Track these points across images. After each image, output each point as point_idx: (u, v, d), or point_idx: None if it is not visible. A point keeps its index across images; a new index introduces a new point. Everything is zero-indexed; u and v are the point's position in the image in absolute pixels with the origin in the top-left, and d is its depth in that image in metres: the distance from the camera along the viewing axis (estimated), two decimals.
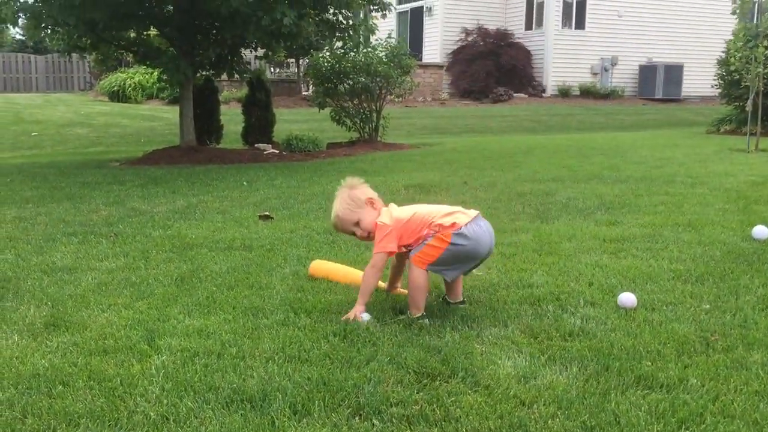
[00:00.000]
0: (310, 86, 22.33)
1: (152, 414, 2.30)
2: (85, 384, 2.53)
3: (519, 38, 23.31)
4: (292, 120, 16.38)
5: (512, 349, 2.78)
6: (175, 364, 2.67)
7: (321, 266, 3.93)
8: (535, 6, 23.35)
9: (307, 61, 22.40)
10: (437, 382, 2.50)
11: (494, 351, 2.76)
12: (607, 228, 4.95)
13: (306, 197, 6.57)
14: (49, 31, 9.79)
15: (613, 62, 23.49)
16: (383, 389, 2.44)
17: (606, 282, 3.65)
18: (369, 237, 3.29)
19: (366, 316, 3.10)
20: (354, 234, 3.33)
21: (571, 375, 2.54)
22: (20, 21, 9.42)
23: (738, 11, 9.94)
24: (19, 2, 9.12)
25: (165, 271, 4.02)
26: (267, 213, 5.65)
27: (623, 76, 23.87)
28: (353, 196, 3.30)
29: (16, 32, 37.33)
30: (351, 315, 3.09)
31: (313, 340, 2.89)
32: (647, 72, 23.58)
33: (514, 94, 22.20)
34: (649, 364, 2.62)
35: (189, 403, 2.36)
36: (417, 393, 2.42)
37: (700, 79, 21.91)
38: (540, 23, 22.99)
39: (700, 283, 3.64)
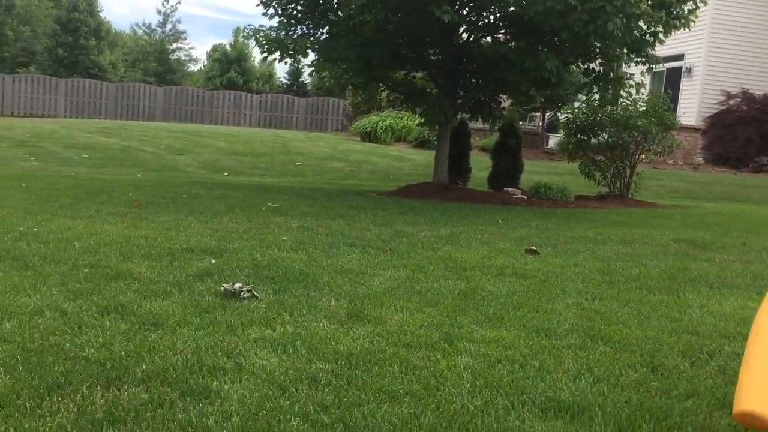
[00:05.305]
0: (549, 141, 22.26)
1: (471, 406, 2.31)
2: (399, 369, 2.62)
3: None
4: (534, 171, 16.25)
5: None
6: (481, 366, 2.68)
7: None
8: None
9: (550, 115, 22.37)
10: None
11: None
12: None
13: (568, 239, 6.41)
14: (329, 65, 10.80)
15: None
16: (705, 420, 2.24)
17: None
18: None
19: None
20: None
21: None
22: (309, 53, 10.52)
23: None
24: (311, 39, 10.21)
25: (446, 286, 4.12)
26: (533, 248, 5.59)
27: None
28: None
29: (282, 76, 41.72)
30: None
31: (620, 366, 2.75)
32: None
33: None
34: None
35: (504, 402, 2.34)
36: None
37: None
38: None
39: None
